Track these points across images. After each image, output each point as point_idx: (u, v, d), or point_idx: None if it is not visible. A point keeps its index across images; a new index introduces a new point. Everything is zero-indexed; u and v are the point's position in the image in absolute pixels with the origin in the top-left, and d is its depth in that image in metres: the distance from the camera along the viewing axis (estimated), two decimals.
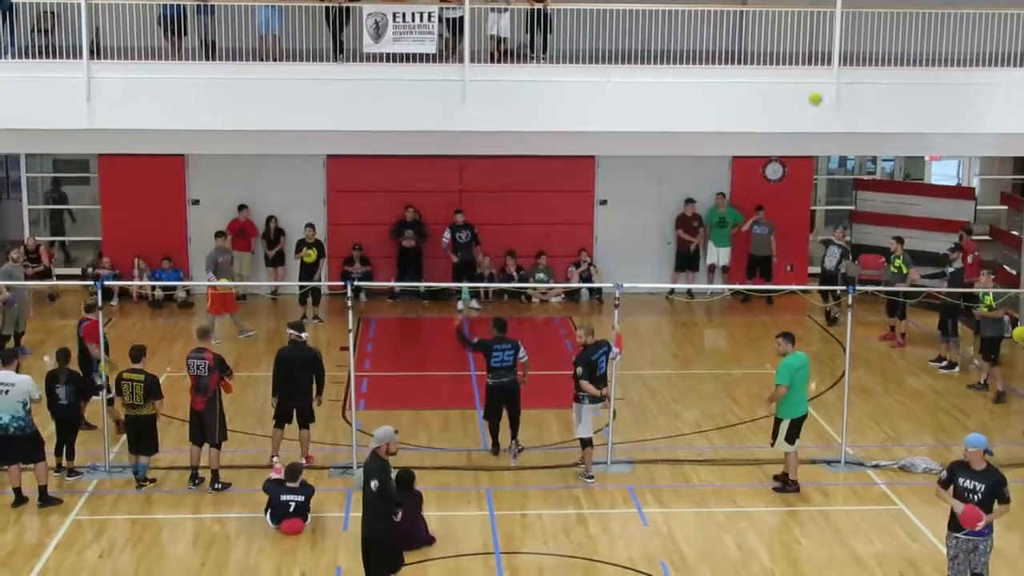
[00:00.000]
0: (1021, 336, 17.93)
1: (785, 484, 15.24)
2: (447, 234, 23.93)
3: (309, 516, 14.00)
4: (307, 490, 14.03)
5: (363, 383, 18.85)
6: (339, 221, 24.64)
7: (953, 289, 19.50)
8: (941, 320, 20.40)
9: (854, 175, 27.90)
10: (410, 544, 13.42)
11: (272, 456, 15.40)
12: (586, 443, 15.45)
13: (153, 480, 15.19)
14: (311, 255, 22.85)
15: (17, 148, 24.50)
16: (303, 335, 15.76)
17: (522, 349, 16.09)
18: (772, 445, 15.28)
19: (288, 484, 14.07)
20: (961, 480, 11.66)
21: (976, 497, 11.55)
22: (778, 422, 15.07)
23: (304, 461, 15.32)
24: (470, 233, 23.98)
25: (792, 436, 15.04)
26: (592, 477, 15.41)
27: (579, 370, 15.19)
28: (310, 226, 23.27)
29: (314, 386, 15.67)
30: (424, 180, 24.46)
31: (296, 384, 15.60)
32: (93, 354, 16.60)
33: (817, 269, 25.75)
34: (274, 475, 14.52)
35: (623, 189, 24.87)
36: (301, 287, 22.92)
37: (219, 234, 22.48)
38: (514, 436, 16.19)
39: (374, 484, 11.83)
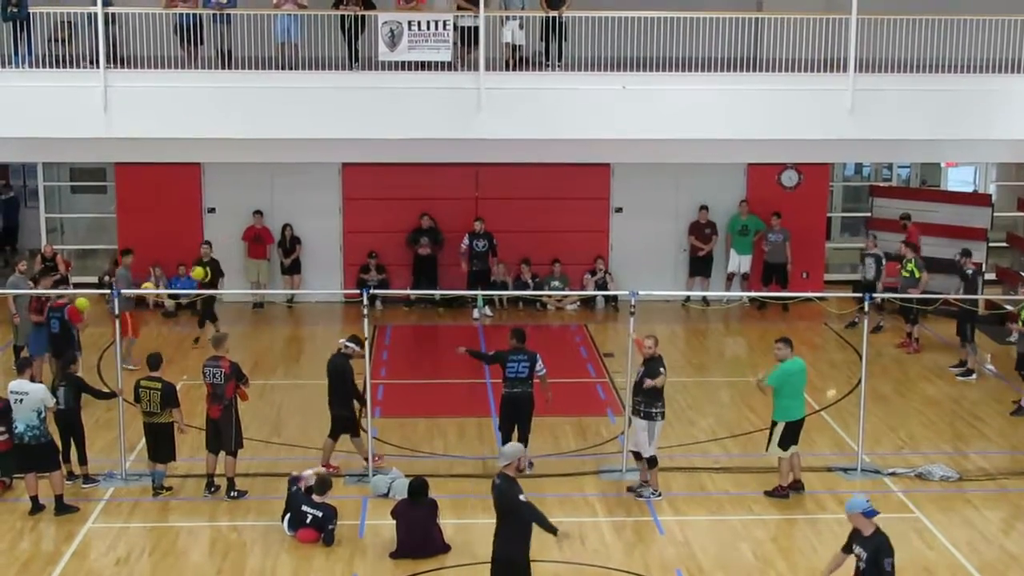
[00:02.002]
0: None
1: (775, 490, 15.21)
2: (466, 241, 23.92)
3: (334, 538, 13.86)
4: (328, 509, 13.94)
5: (379, 391, 18.84)
6: (355, 229, 24.67)
7: (974, 296, 19.43)
8: (959, 326, 20.30)
9: (870, 182, 27.84)
10: (425, 552, 13.47)
11: (322, 464, 15.53)
12: (653, 463, 15.17)
13: (169, 488, 15.21)
14: (198, 272, 21.07)
15: (34, 157, 24.59)
16: (349, 346, 15.73)
17: (539, 362, 15.75)
18: (766, 450, 15.26)
19: (314, 496, 14.06)
20: (853, 546, 10.99)
21: (862, 565, 10.77)
22: (774, 425, 15.07)
23: (323, 468, 15.35)
24: (488, 243, 23.96)
25: (787, 441, 15.01)
26: (660, 494, 15.21)
27: (662, 371, 14.86)
28: (206, 243, 22.31)
29: (352, 399, 15.73)
30: (440, 188, 24.49)
31: (329, 393, 15.76)
32: (77, 333, 18.05)
33: (834, 277, 25.79)
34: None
35: (638, 196, 24.84)
36: (204, 298, 21.47)
37: (125, 253, 21.08)
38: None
39: (523, 498, 11.45)
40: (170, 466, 15.28)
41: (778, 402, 15.02)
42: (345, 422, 15.73)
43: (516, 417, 15.91)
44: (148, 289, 21.37)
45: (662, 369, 14.89)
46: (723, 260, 24.86)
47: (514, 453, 11.69)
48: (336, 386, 15.68)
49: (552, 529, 11.59)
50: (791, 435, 15.03)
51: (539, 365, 15.77)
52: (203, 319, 21.63)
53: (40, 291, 19.07)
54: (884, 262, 22.30)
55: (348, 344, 15.75)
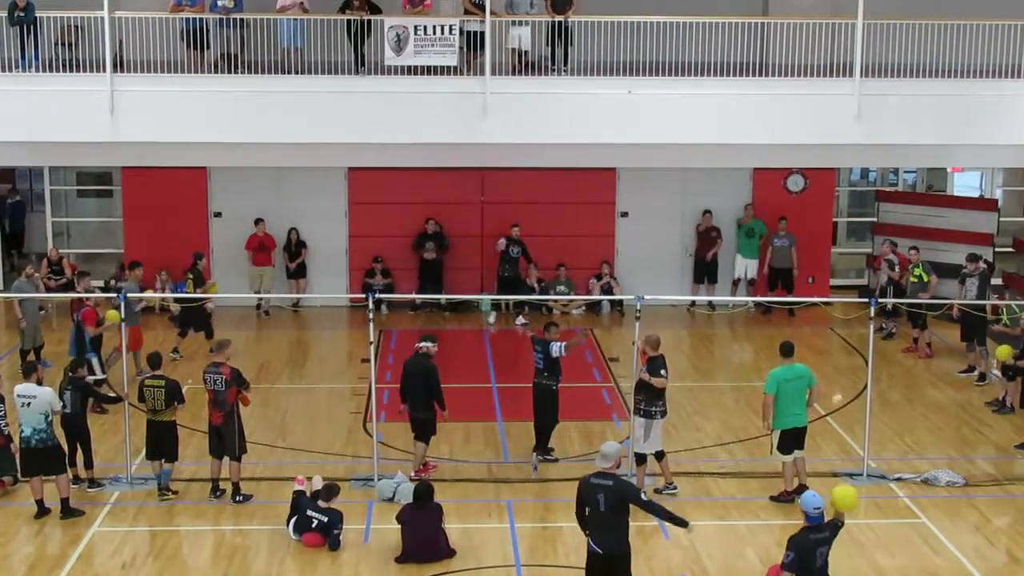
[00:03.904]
0: (1004, 355, 17.82)
1: (780, 495, 15.18)
2: (502, 242, 23.92)
3: (340, 542, 13.81)
4: (333, 514, 13.91)
5: (384, 395, 18.83)
6: (360, 233, 24.67)
7: (979, 302, 19.37)
8: (966, 331, 20.19)
9: (876, 187, 27.82)
10: (431, 557, 13.45)
11: (414, 470, 15.59)
12: (642, 460, 15.20)
13: (175, 492, 15.22)
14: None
15: (41, 161, 24.67)
16: (426, 346, 15.79)
17: (554, 349, 15.78)
18: (771, 453, 15.24)
19: (320, 502, 14.05)
20: None
21: None
22: (773, 429, 15.06)
23: (413, 474, 15.41)
24: (521, 249, 23.96)
25: (787, 447, 14.95)
26: (676, 488, 15.31)
27: (663, 373, 14.89)
28: (199, 254, 22.03)
29: (434, 399, 15.70)
30: (445, 192, 24.49)
31: (411, 395, 15.73)
32: (90, 334, 17.90)
33: (840, 282, 25.76)
34: (297, 486, 14.54)
35: (644, 201, 24.83)
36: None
37: (133, 265, 20.61)
38: (535, 447, 16.15)
39: (644, 495, 11.61)
40: (175, 468, 15.25)
41: (775, 407, 14.95)
42: (425, 424, 15.69)
43: (535, 408, 16.06)
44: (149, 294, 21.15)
45: (663, 371, 14.90)
46: (730, 265, 24.80)
47: (615, 454, 11.65)
48: (417, 387, 15.63)
49: (683, 522, 11.75)
50: (789, 440, 14.98)
51: (554, 350, 15.82)
52: (189, 328, 21.18)
53: (59, 296, 19.11)
54: (896, 268, 22.26)
55: (426, 344, 15.77)
